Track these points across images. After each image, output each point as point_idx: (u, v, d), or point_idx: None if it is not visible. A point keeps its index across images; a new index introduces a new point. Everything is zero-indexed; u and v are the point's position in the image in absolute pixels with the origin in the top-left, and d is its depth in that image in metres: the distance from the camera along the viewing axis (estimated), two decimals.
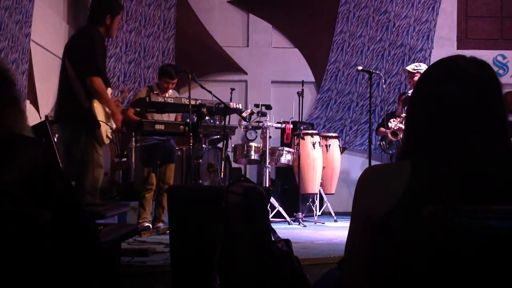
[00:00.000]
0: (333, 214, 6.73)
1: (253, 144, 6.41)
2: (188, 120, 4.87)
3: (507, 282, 1.16)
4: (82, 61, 4.16)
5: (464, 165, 1.32)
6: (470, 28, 8.40)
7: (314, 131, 7.00)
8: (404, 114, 5.92)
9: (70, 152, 4.18)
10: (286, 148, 6.52)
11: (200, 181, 5.62)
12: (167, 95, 5.54)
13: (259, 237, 1.88)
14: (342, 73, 8.22)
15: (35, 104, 5.97)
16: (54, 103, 4.57)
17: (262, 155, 6.35)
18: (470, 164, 1.32)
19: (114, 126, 4.43)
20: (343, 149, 7.63)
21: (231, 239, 2.00)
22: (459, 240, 1.17)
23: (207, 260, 2.05)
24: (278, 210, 6.22)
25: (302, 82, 6.78)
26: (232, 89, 6.77)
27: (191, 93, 4.78)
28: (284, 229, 5.73)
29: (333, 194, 7.16)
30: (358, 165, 8.08)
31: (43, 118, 5.24)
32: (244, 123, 6.16)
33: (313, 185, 6.69)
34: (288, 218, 6.27)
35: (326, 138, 7.06)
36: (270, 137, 6.42)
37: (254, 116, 6.16)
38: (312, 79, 8.20)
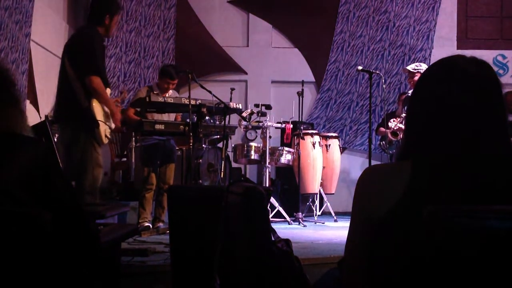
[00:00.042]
0: (333, 214, 6.73)
1: (253, 144, 6.41)
2: (188, 120, 4.87)
3: (507, 282, 1.16)
4: (81, 61, 4.17)
5: (464, 165, 1.32)
6: (470, 28, 8.40)
7: (314, 131, 7.00)
8: (404, 114, 5.92)
9: (70, 152, 4.18)
10: (286, 148, 6.52)
11: (200, 181, 5.62)
12: (167, 95, 5.54)
13: (259, 237, 1.88)
14: (342, 73, 8.22)
15: (35, 104, 5.97)
16: (54, 103, 4.56)
17: (262, 155, 6.35)
18: (470, 164, 1.32)
19: (113, 126, 4.43)
20: (343, 149, 7.63)
21: (231, 239, 2.00)
22: (459, 240, 1.17)
23: (207, 260, 2.05)
24: (278, 210, 6.22)
25: (302, 82, 6.78)
26: (232, 89, 6.77)
27: (191, 93, 4.78)
28: (284, 229, 5.74)
29: (333, 194, 7.16)
30: (358, 165, 8.08)
31: (43, 118, 5.24)
32: (244, 123, 6.16)
33: (313, 185, 6.69)
34: (288, 218, 6.27)
35: (326, 138, 7.06)
36: (270, 137, 6.43)
37: (254, 116, 6.16)
38: (312, 79, 8.20)
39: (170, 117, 5.67)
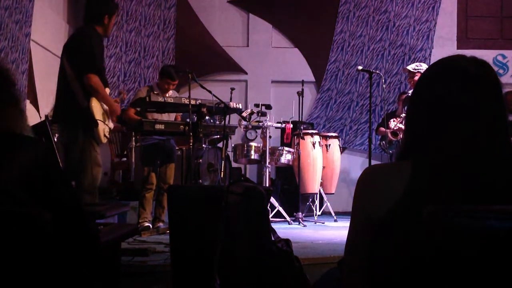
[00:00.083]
0: (333, 214, 6.73)
1: (253, 144, 6.41)
2: (188, 120, 4.87)
3: (507, 282, 1.16)
4: (80, 60, 4.19)
5: (464, 165, 1.32)
6: (470, 28, 8.40)
7: (314, 131, 7.00)
8: (404, 114, 5.92)
9: (69, 152, 4.20)
10: (286, 148, 6.52)
11: (200, 181, 5.62)
12: (167, 95, 5.54)
13: (259, 237, 1.88)
14: (342, 72, 8.22)
15: (35, 104, 5.97)
16: (54, 103, 4.57)
17: (262, 155, 6.35)
18: (470, 164, 1.32)
19: (112, 125, 4.45)
20: (343, 149, 7.63)
21: (231, 239, 2.00)
22: (459, 240, 1.17)
23: (207, 260, 2.05)
24: (278, 210, 6.22)
25: (302, 82, 6.78)
26: (232, 89, 6.77)
27: (191, 93, 4.78)
28: (284, 229, 5.74)
29: (333, 194, 7.16)
30: (358, 165, 8.08)
31: (43, 118, 5.24)
32: (244, 123, 6.16)
33: (313, 185, 6.69)
34: (288, 218, 6.27)
35: (326, 138, 7.06)
36: (270, 137, 6.43)
37: (254, 116, 6.17)
38: (312, 79, 8.20)
39: (170, 117, 5.67)
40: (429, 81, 1.43)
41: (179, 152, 6.09)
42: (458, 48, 8.12)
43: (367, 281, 1.37)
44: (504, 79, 7.70)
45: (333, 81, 8.22)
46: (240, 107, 5.31)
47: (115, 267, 2.83)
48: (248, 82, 8.19)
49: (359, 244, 1.40)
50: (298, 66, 8.18)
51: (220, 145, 5.96)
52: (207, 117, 5.13)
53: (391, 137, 6.28)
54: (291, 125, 6.59)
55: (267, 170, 6.28)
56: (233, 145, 6.58)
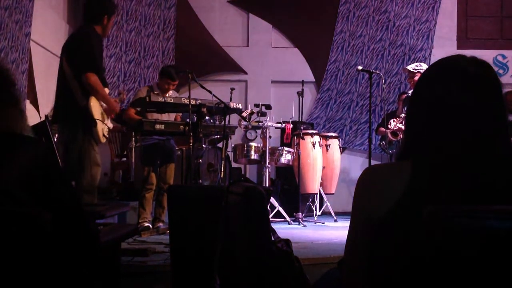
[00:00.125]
0: (333, 214, 6.73)
1: (253, 144, 6.41)
2: (188, 120, 4.87)
3: (507, 282, 1.16)
4: (79, 59, 4.20)
5: (464, 165, 1.32)
6: (470, 28, 8.40)
7: (314, 131, 7.00)
8: (404, 114, 5.92)
9: (68, 151, 4.21)
10: (286, 148, 6.52)
11: (200, 181, 5.62)
12: (167, 95, 5.54)
13: (259, 237, 1.88)
14: (342, 72, 8.22)
15: (35, 104, 5.97)
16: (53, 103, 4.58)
17: (262, 155, 6.35)
18: (470, 164, 1.32)
19: (111, 125, 4.46)
20: (343, 149, 7.63)
21: (231, 239, 2.00)
22: (459, 240, 1.17)
23: (207, 260, 2.05)
24: (278, 210, 6.22)
25: (302, 82, 6.78)
26: (232, 89, 6.77)
27: (191, 93, 4.78)
28: (284, 229, 5.74)
29: (333, 194, 7.16)
30: (358, 165, 8.08)
31: (43, 118, 5.24)
32: (244, 123, 6.16)
33: (313, 185, 6.69)
34: (288, 218, 6.27)
35: (326, 138, 7.06)
36: (270, 137, 6.43)
37: (254, 116, 6.16)
38: (312, 79, 8.20)
39: (170, 117, 5.67)
40: (429, 81, 1.43)
41: (179, 152, 6.09)
42: (458, 48, 8.11)
43: (367, 281, 1.37)
44: (504, 79, 7.70)
45: (333, 81, 8.22)
46: (240, 107, 5.30)
47: (115, 267, 2.83)
48: (248, 82, 8.19)
49: (359, 244, 1.40)
50: (298, 66, 8.18)
51: (220, 145, 5.96)
52: (207, 117, 5.13)
53: (391, 137, 6.28)
54: (291, 125, 6.59)
55: (267, 170, 6.28)
56: (233, 145, 6.58)
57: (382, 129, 6.68)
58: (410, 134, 1.44)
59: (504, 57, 8.19)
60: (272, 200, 6.15)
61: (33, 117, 5.46)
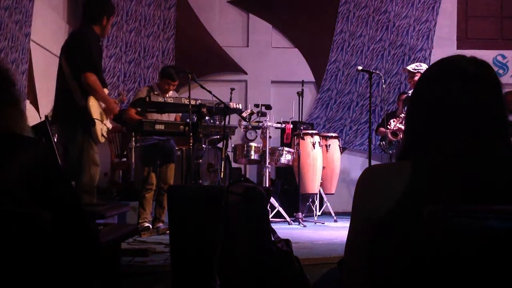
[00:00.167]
0: (333, 214, 6.73)
1: (253, 144, 6.41)
2: (188, 120, 4.87)
3: (507, 282, 1.16)
4: (77, 59, 4.21)
5: (464, 165, 1.32)
6: (470, 28, 8.40)
7: (314, 131, 7.00)
8: (403, 114, 5.92)
9: (68, 151, 4.21)
10: (286, 148, 6.52)
11: (200, 181, 5.62)
12: (167, 96, 5.54)
13: (259, 237, 1.88)
14: (342, 73, 8.22)
15: (35, 104, 5.97)
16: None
17: (262, 155, 6.35)
18: (470, 164, 1.32)
19: (110, 126, 4.47)
20: (343, 149, 7.63)
21: (231, 239, 2.00)
22: (459, 240, 1.17)
23: (207, 260, 2.05)
24: (278, 210, 6.22)
25: (302, 82, 6.78)
26: (232, 89, 6.77)
27: (191, 93, 4.78)
28: (284, 229, 5.73)
29: (333, 194, 7.16)
30: (358, 165, 8.08)
31: (43, 118, 5.24)
32: (244, 123, 6.16)
33: (313, 185, 6.69)
34: (288, 218, 6.27)
35: (326, 138, 7.06)
36: (270, 137, 6.43)
37: (254, 116, 6.17)
38: (312, 79, 8.20)
39: (170, 117, 5.67)
40: (429, 81, 1.43)
41: (179, 152, 6.09)
42: (458, 48, 8.11)
43: (367, 281, 1.37)
44: (504, 79, 7.68)
45: (333, 81, 8.22)
46: (240, 107, 5.30)
47: (115, 267, 2.83)
48: (248, 82, 8.19)
49: (359, 244, 1.40)
50: (298, 66, 8.18)
51: (220, 145, 5.96)
52: (207, 118, 5.13)
53: (391, 137, 6.28)
54: (291, 125, 6.59)
55: (267, 170, 6.28)
56: (233, 146, 6.58)
57: (382, 129, 6.68)
58: (410, 134, 1.44)
59: (504, 57, 8.19)
60: (272, 200, 6.15)
61: (33, 117, 5.46)
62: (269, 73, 8.19)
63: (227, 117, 5.11)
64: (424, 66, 5.97)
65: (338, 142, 7.16)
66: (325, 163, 6.89)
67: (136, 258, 3.93)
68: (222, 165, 5.30)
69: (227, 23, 8.23)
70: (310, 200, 6.85)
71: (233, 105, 5.13)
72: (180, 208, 2.79)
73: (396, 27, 8.19)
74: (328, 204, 6.85)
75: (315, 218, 6.66)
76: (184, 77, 5.14)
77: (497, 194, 1.28)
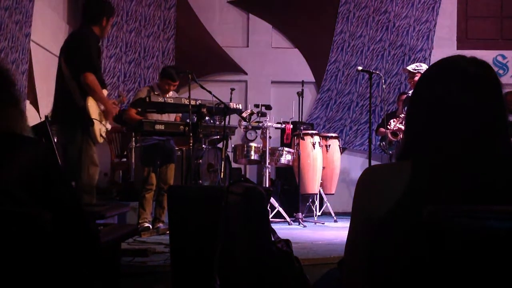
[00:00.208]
0: (333, 214, 6.73)
1: (253, 144, 6.41)
2: (188, 120, 4.87)
3: (507, 282, 1.16)
4: (76, 59, 4.22)
5: (464, 165, 1.32)
6: (470, 28, 8.40)
7: (314, 131, 7.00)
8: (403, 115, 5.92)
9: (67, 152, 4.22)
10: (286, 149, 6.52)
11: (200, 181, 5.62)
12: (167, 96, 5.54)
13: (259, 237, 1.88)
14: (342, 73, 8.22)
15: (35, 104, 5.97)
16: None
17: (262, 155, 6.35)
18: (470, 164, 1.32)
19: (109, 126, 4.47)
20: (343, 149, 7.63)
21: (231, 239, 2.00)
22: (459, 240, 1.17)
23: (207, 260, 2.05)
24: (278, 210, 6.22)
25: (302, 82, 6.78)
26: (232, 89, 6.77)
27: (191, 93, 4.78)
28: (284, 229, 5.73)
29: (333, 194, 7.16)
30: (358, 165, 8.08)
31: (43, 118, 5.24)
32: (244, 123, 6.16)
33: (313, 185, 6.69)
34: (288, 218, 6.27)
35: (326, 138, 7.06)
36: (270, 137, 6.43)
37: (254, 116, 6.17)
38: (312, 79, 8.20)
39: (170, 118, 5.67)
40: (429, 81, 1.43)
41: (179, 152, 6.09)
42: (458, 48, 8.11)
43: (367, 281, 1.37)
44: (504, 80, 7.65)
45: (333, 82, 8.22)
46: (240, 107, 5.30)
47: (115, 268, 2.83)
48: (248, 82, 8.19)
49: (359, 244, 1.40)
50: (298, 66, 8.18)
51: (220, 145, 5.96)
52: (207, 118, 5.13)
53: (391, 138, 6.28)
54: (291, 126, 6.59)
55: (267, 170, 6.28)
56: (233, 146, 6.58)
57: (382, 129, 6.68)
58: (410, 134, 1.44)
59: (504, 57, 8.19)
60: (272, 200, 6.15)
61: (33, 118, 5.46)
62: (269, 73, 8.19)
63: (227, 117, 5.11)
64: (424, 67, 5.97)
65: (338, 142, 7.16)
66: (325, 163, 6.89)
67: (136, 258, 3.93)
68: (222, 165, 5.30)
69: (227, 23, 8.23)
70: (310, 200, 6.85)
71: (233, 105, 5.13)
72: (180, 208, 2.79)
73: (396, 27, 8.19)
74: (328, 204, 6.85)
75: (315, 218, 6.66)
76: (184, 77, 5.14)
77: (497, 194, 1.28)
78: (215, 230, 2.06)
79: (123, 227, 3.28)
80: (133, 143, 5.64)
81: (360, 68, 6.14)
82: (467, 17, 8.40)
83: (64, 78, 4.28)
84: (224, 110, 4.96)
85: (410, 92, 5.52)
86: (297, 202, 6.45)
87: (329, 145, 6.99)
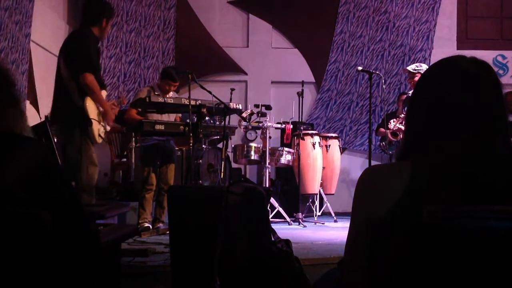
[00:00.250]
0: (333, 215, 6.73)
1: (253, 144, 6.41)
2: (188, 121, 4.87)
3: (507, 282, 1.16)
4: (76, 59, 4.23)
5: (464, 165, 1.32)
6: (470, 28, 8.41)
7: (314, 132, 7.00)
8: (403, 115, 5.92)
9: (67, 152, 4.22)
10: (286, 149, 6.52)
11: (200, 181, 5.62)
12: (167, 96, 5.54)
13: (259, 237, 1.88)
14: (342, 73, 8.22)
15: (35, 104, 5.97)
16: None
17: (262, 155, 6.35)
18: (470, 164, 1.32)
19: (108, 126, 4.48)
20: (343, 149, 7.63)
21: (231, 239, 2.00)
22: (459, 240, 1.17)
23: (207, 260, 2.05)
24: (278, 210, 6.22)
25: (302, 82, 6.78)
26: (232, 89, 6.77)
27: (191, 93, 4.78)
28: (284, 230, 5.73)
29: (333, 194, 7.16)
30: (358, 165, 8.08)
31: (43, 118, 5.25)
32: (244, 123, 6.16)
33: (313, 185, 6.69)
34: (288, 219, 6.27)
35: (326, 138, 7.06)
36: (270, 137, 6.43)
37: (254, 117, 6.17)
38: (312, 79, 8.20)
39: (170, 118, 5.67)
40: (429, 81, 1.43)
41: (179, 152, 6.09)
42: (458, 48, 8.12)
43: (367, 281, 1.37)
44: (504, 80, 7.67)
45: (333, 82, 8.22)
46: (240, 107, 5.30)
47: (115, 268, 2.83)
48: (248, 82, 8.19)
49: (359, 244, 1.40)
50: (298, 66, 8.18)
51: (220, 145, 5.96)
52: (207, 118, 5.13)
53: (391, 138, 6.28)
54: (291, 126, 6.59)
55: (267, 170, 6.27)
56: (233, 146, 6.58)
57: (382, 129, 6.68)
58: (410, 134, 1.44)
59: (504, 57, 8.19)
60: (272, 200, 6.15)
61: (33, 118, 5.46)
62: (269, 73, 8.19)
63: (227, 117, 5.11)
64: (424, 67, 5.97)
65: (338, 142, 7.16)
66: (325, 163, 6.89)
67: (136, 258, 3.93)
68: (222, 166, 5.30)
69: (227, 23, 8.23)
70: (310, 200, 6.85)
71: (233, 105, 5.13)
72: (180, 208, 2.79)
73: (396, 27, 8.19)
74: (328, 204, 6.85)
75: (315, 219, 6.66)
76: (184, 78, 5.14)
77: (497, 194, 1.28)
78: (215, 230, 2.06)
79: (123, 227, 3.28)
80: (133, 143, 5.64)
81: (360, 68, 6.14)
82: (467, 17, 8.40)
83: (63, 79, 4.28)
84: (224, 110, 4.96)
85: (410, 92, 5.53)
86: (297, 202, 6.45)
87: (329, 145, 6.99)
